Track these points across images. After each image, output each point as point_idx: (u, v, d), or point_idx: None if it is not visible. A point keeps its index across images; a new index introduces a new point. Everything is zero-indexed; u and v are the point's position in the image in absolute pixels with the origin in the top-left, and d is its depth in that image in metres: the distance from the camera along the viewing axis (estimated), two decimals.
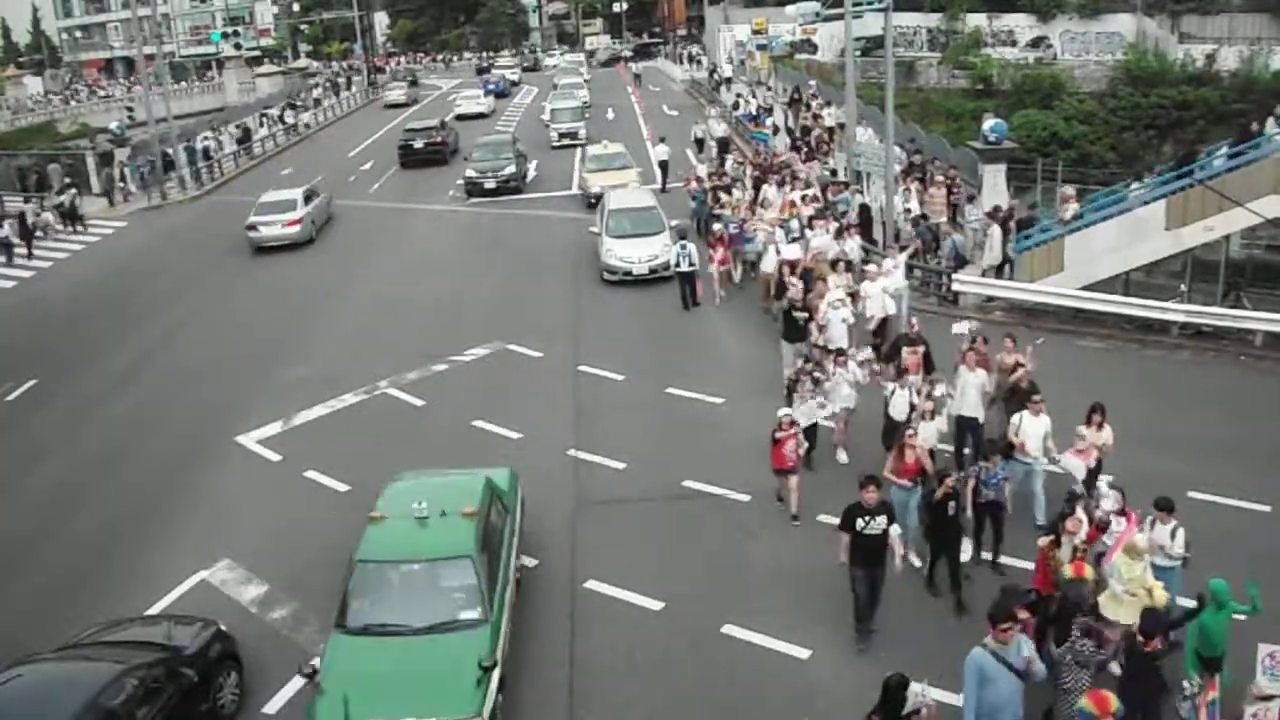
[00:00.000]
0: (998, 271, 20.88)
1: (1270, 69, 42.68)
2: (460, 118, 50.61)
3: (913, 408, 13.13)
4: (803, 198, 22.27)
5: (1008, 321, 19.92)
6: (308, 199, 30.35)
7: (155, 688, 9.55)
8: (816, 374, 14.04)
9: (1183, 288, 20.79)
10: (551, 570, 12.48)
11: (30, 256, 31.44)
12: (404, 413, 17.43)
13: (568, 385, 17.88)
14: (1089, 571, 9.72)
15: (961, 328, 14.58)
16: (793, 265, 18.57)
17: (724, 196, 24.01)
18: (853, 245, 19.85)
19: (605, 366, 18.38)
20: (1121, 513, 10.54)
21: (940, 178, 23.55)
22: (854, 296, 17.07)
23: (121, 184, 38.50)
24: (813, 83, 41.08)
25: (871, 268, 18.20)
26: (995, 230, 20.80)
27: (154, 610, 12.16)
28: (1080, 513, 10.29)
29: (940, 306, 20.50)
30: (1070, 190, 22.65)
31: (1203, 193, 20.28)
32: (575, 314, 21.68)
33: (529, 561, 12.59)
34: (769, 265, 19.62)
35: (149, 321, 23.85)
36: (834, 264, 18.22)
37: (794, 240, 20.12)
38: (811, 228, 20.31)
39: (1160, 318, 18.86)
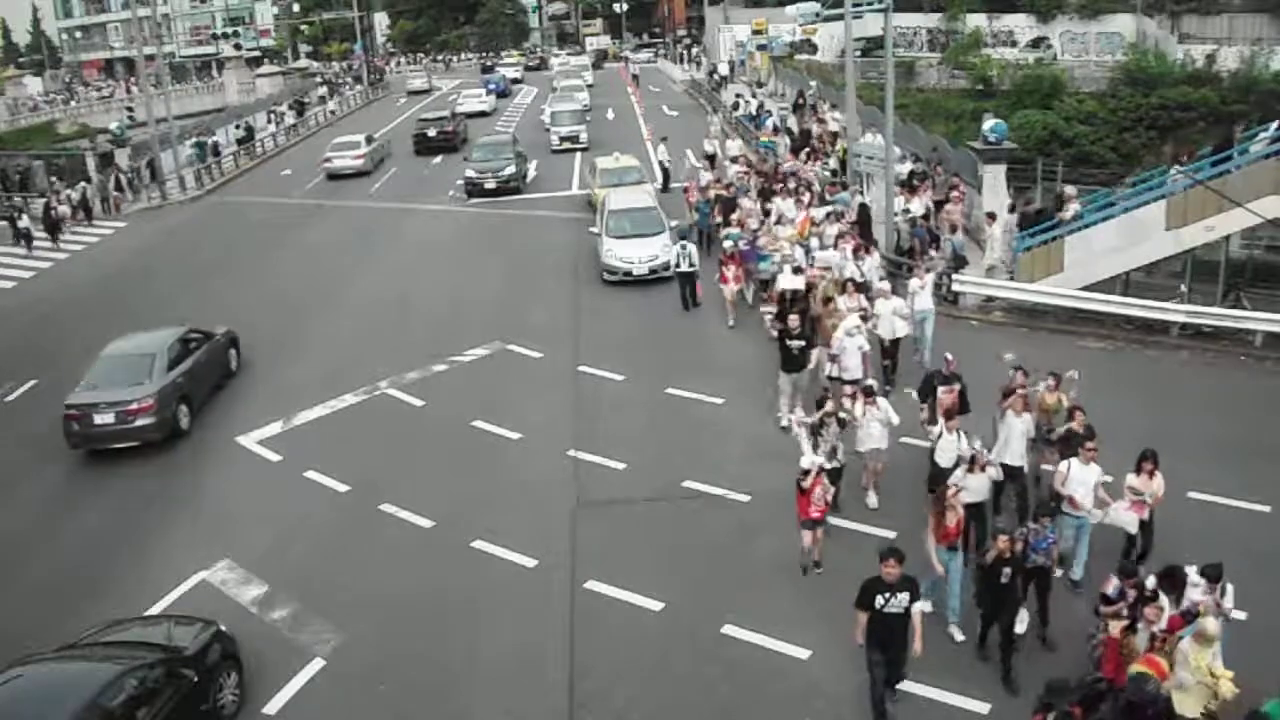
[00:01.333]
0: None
1: (1270, 69, 42.68)
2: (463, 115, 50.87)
3: (960, 458, 11.77)
4: (827, 215, 21.02)
5: (1008, 322, 19.96)
6: (369, 141, 41.14)
7: (155, 688, 9.55)
8: (843, 415, 12.68)
9: (1183, 288, 20.78)
10: (551, 570, 12.47)
11: (57, 246, 32.48)
12: (404, 413, 17.43)
13: (568, 385, 17.88)
14: (1166, 667, 8.61)
15: (1010, 358, 13.50)
16: (793, 296, 17.11)
17: (738, 206, 22.59)
18: (871, 265, 18.47)
19: (605, 367, 18.38)
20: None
21: (956, 193, 22.65)
22: (865, 319, 16.07)
23: (119, 192, 37.81)
24: (813, 83, 41.10)
25: (883, 285, 17.26)
26: (995, 230, 20.81)
27: (154, 610, 12.16)
28: (1156, 595, 9.15)
29: (940, 306, 20.45)
30: (1071, 190, 22.65)
31: (1203, 193, 20.28)
32: (575, 314, 21.68)
33: (529, 562, 12.62)
34: (786, 284, 18.00)
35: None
36: (844, 285, 17.04)
37: (811, 266, 18.74)
38: (835, 247, 19.16)
39: (1160, 318, 18.85)
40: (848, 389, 12.88)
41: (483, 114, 53.10)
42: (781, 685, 10.32)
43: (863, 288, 17.05)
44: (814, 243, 19.84)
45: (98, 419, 16.23)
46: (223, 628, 10.94)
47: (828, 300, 16.34)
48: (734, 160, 30.31)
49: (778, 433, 15.19)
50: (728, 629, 11.12)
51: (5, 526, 14.87)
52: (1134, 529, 11.19)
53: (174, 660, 9.99)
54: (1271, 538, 12.07)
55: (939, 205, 22.64)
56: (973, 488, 11.29)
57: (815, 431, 12.37)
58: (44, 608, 12.60)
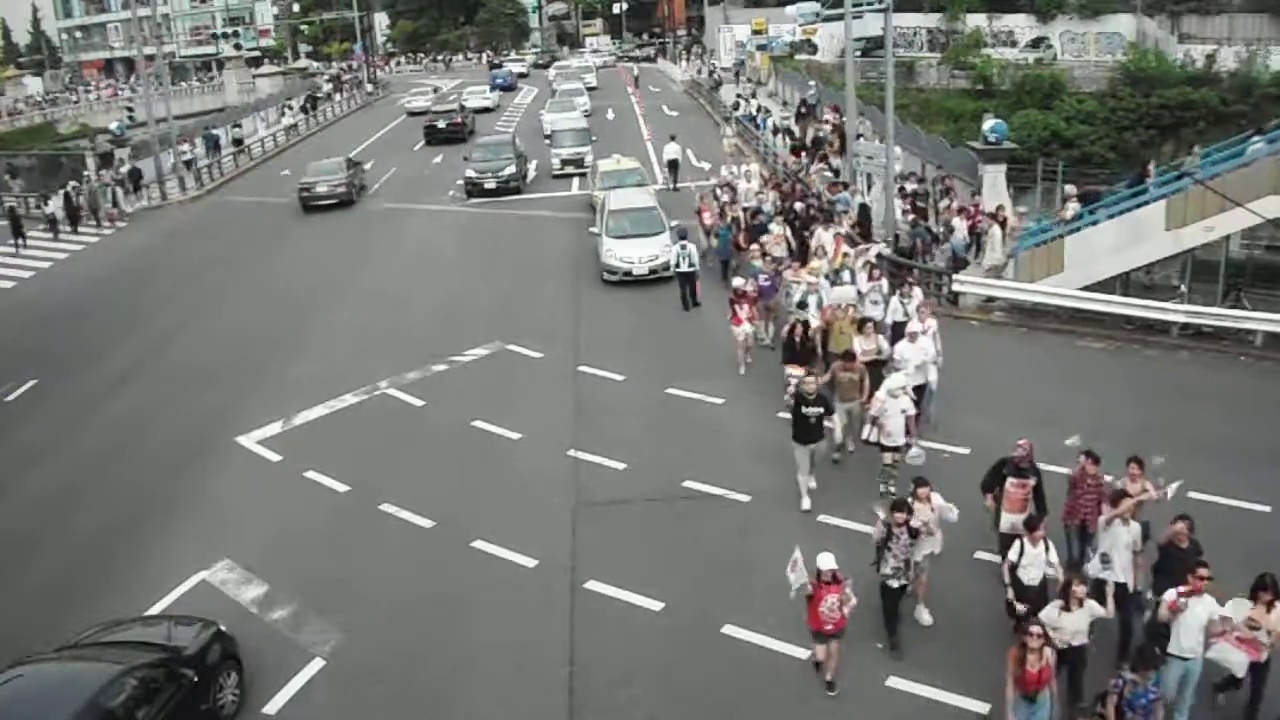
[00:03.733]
0: None
1: (1270, 69, 42.71)
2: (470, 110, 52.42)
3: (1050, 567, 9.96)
4: (858, 247, 19.23)
5: (1008, 322, 19.96)
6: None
7: (155, 688, 9.55)
8: (913, 523, 10.37)
9: (1183, 288, 20.80)
10: (551, 570, 12.46)
11: (75, 232, 33.69)
12: (404, 413, 17.42)
13: (568, 385, 17.88)
14: None
15: (1075, 441, 11.72)
16: (805, 331, 15.54)
17: (768, 232, 20.66)
18: (895, 305, 16.41)
19: (605, 367, 18.38)
20: None
21: (969, 208, 22.25)
22: (881, 363, 14.58)
23: (110, 206, 35.87)
24: (813, 84, 41.09)
25: (915, 325, 15.07)
26: (995, 230, 20.82)
27: (154, 610, 12.15)
28: None
29: (940, 306, 20.47)
30: (1072, 189, 22.67)
31: (1203, 193, 20.28)
32: (575, 314, 21.67)
33: (529, 562, 12.62)
34: (812, 314, 16.44)
35: (148, 322, 23.84)
36: (860, 323, 15.30)
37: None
38: (869, 279, 17.46)
39: (1160, 318, 18.86)
40: (921, 490, 10.62)
41: (486, 110, 54.88)
42: (781, 685, 10.31)
43: (879, 327, 15.41)
44: (844, 275, 17.82)
45: None
46: (223, 628, 10.93)
47: (847, 356, 14.20)
48: (760, 188, 26.31)
49: (778, 432, 15.17)
50: (728, 629, 11.11)
51: (5, 526, 14.87)
52: (1241, 672, 9.16)
53: (174, 660, 9.98)
54: (1271, 538, 12.06)
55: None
56: (1069, 629, 9.07)
57: (882, 546, 10.40)
58: (44, 608, 12.59)
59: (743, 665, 10.63)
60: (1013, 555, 10.06)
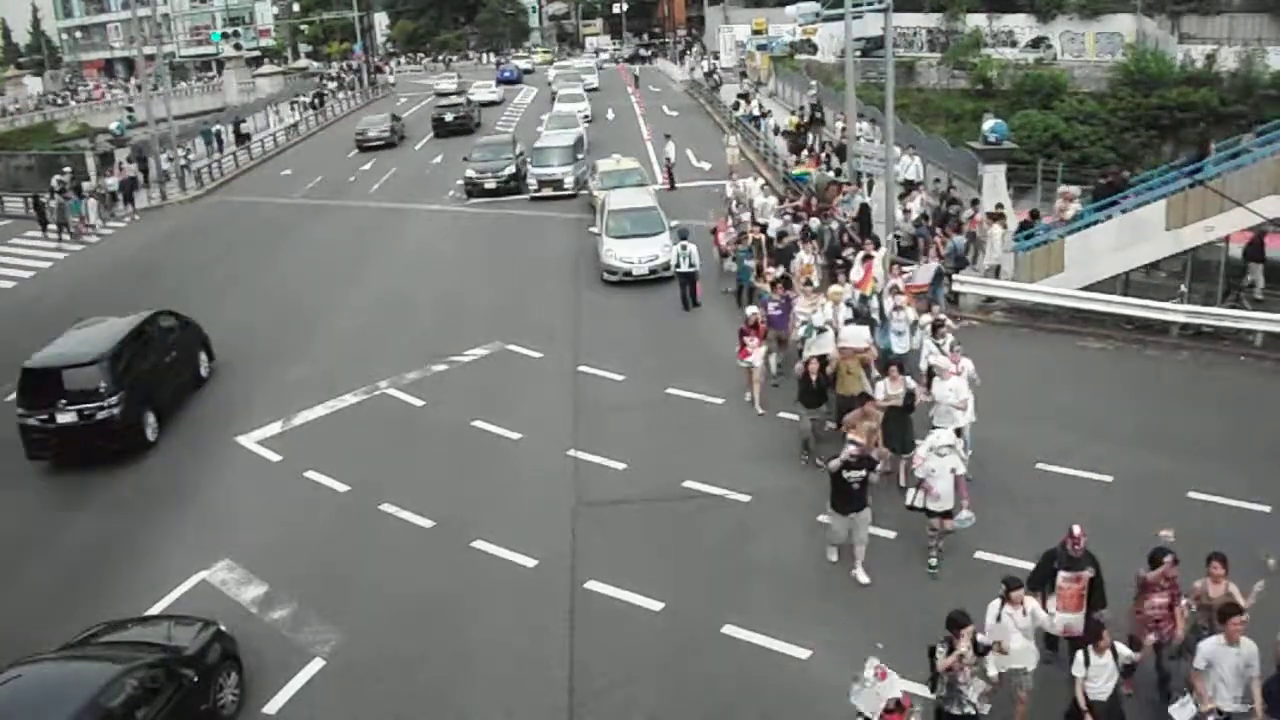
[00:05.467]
0: None
1: (1270, 69, 42.73)
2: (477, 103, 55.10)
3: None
4: (895, 272, 17.16)
5: (1009, 322, 19.96)
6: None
7: (155, 688, 9.55)
8: (980, 636, 8.72)
9: (1183, 288, 20.77)
10: (551, 570, 12.46)
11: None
12: (404, 413, 17.42)
13: (568, 385, 17.87)
14: None
15: (1167, 535, 10.33)
16: (822, 364, 14.12)
17: (793, 256, 18.78)
18: (928, 346, 14.39)
19: (605, 367, 18.37)
20: None
21: (979, 216, 21.58)
22: (910, 407, 13.14)
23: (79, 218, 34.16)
24: (814, 84, 41.09)
25: (943, 360, 13.62)
26: (995, 230, 20.80)
27: (154, 610, 12.15)
28: None
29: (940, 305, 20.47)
30: (1074, 190, 22.64)
31: (1203, 193, 20.26)
32: (575, 314, 21.67)
33: (529, 562, 12.61)
34: (828, 348, 14.67)
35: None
36: (885, 366, 13.78)
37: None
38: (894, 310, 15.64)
39: (1160, 318, 18.85)
40: (1016, 594, 9.08)
41: (492, 103, 57.95)
42: (781, 685, 10.30)
43: (904, 368, 13.68)
44: (873, 303, 16.39)
45: None
46: (223, 628, 10.93)
47: (862, 400, 12.88)
48: (778, 210, 23.22)
49: (778, 432, 15.18)
50: (728, 629, 11.10)
51: (5, 526, 14.87)
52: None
53: (174, 660, 9.99)
54: (1271, 538, 12.04)
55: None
56: None
57: (950, 684, 8.69)
58: (44, 608, 12.59)
59: (743, 665, 10.62)
60: (1077, 669, 8.65)
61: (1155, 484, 13.17)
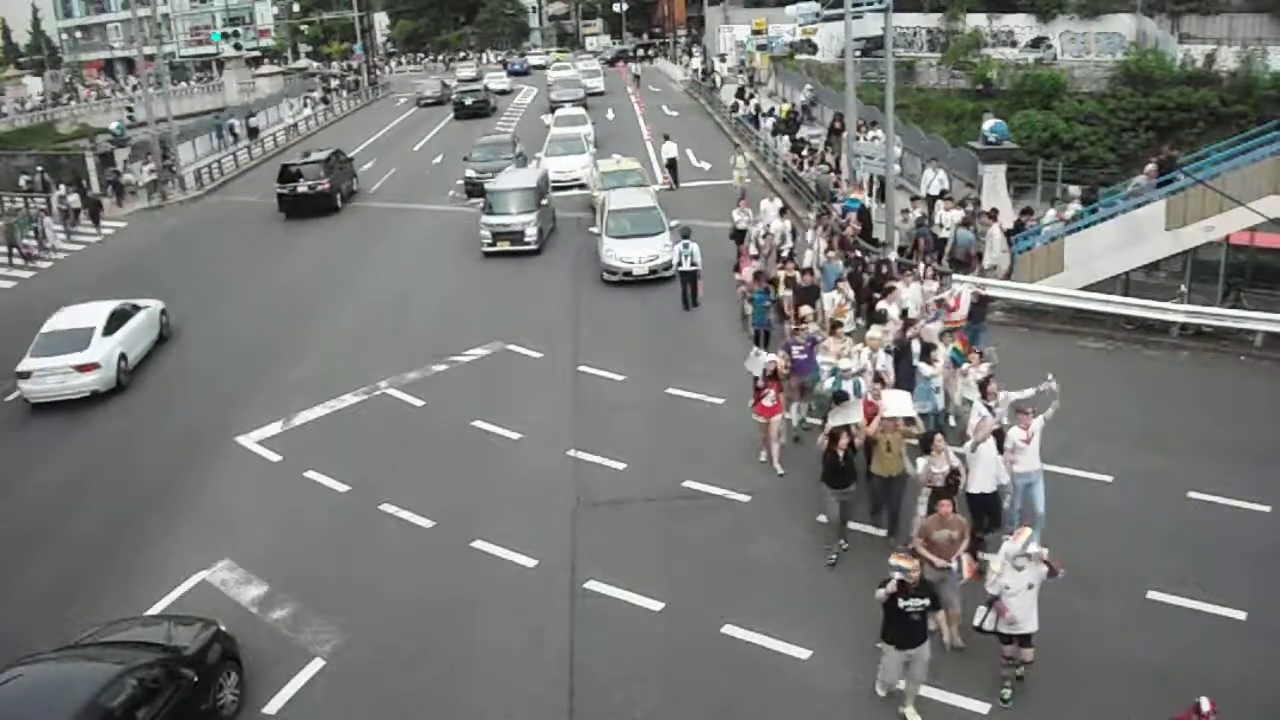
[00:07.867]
0: None
1: (1270, 69, 42.71)
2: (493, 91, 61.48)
3: None
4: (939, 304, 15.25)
5: (1008, 322, 19.95)
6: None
7: (155, 688, 9.54)
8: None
9: (1183, 288, 20.79)
10: (551, 570, 12.46)
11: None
12: (404, 413, 17.42)
13: (568, 385, 17.88)
14: None
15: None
16: (851, 443, 11.96)
17: (807, 308, 16.12)
18: (978, 409, 11.80)
19: (605, 366, 18.38)
20: None
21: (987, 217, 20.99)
22: (955, 486, 11.02)
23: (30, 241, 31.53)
24: (810, 83, 41.11)
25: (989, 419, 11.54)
26: (995, 230, 20.79)
27: (154, 610, 12.16)
28: None
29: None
30: (1075, 190, 22.66)
31: (1203, 193, 20.28)
32: (575, 314, 21.67)
33: (529, 562, 12.61)
34: (855, 417, 12.14)
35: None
36: (928, 440, 11.51)
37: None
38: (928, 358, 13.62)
39: (1160, 318, 18.86)
40: None
41: (504, 92, 64.37)
42: (781, 685, 10.31)
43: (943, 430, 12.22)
44: (915, 347, 13.94)
45: None
46: (223, 628, 10.94)
47: (902, 478, 11.31)
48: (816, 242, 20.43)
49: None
50: (728, 629, 11.11)
51: (5, 526, 14.87)
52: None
53: (174, 660, 9.98)
54: (1271, 538, 12.06)
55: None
56: None
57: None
58: (44, 607, 12.59)
59: (743, 665, 10.63)
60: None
61: (1155, 484, 13.18)
